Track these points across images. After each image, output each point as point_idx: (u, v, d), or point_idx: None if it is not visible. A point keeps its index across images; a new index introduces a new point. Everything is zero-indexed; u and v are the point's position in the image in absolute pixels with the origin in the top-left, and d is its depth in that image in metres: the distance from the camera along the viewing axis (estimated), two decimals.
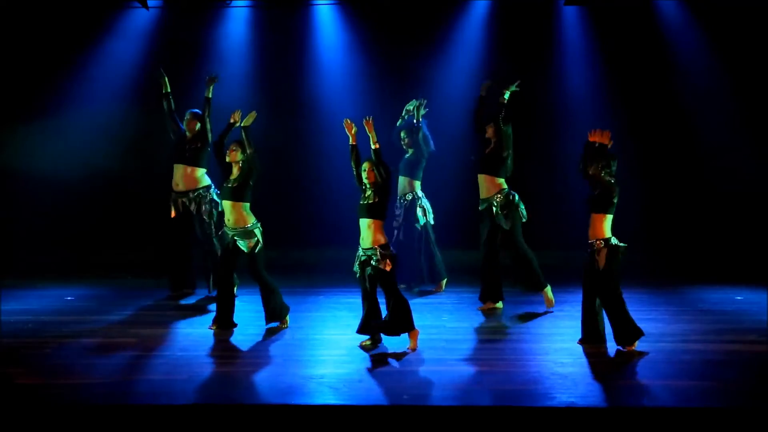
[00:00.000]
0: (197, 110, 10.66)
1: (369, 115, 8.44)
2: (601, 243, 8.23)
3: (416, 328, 8.39)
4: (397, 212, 10.97)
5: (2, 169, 12.87)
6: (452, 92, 13.08)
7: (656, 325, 9.10)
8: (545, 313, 9.85)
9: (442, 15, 13.00)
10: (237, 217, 9.08)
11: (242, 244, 9.08)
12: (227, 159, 9.16)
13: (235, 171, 9.13)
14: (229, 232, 9.11)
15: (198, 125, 10.57)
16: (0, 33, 12.41)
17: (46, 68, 12.87)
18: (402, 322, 8.33)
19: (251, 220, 9.12)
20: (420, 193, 11.05)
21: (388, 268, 8.27)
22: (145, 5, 12.40)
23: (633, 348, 8.21)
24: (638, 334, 8.22)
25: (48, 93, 12.93)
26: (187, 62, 13.01)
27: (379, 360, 8.05)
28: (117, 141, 13.04)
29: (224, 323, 9.13)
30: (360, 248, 8.41)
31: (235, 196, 9.08)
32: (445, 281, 11.15)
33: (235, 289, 10.36)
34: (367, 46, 13.10)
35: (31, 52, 12.78)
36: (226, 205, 9.12)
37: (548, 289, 9.93)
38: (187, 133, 10.63)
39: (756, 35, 12.41)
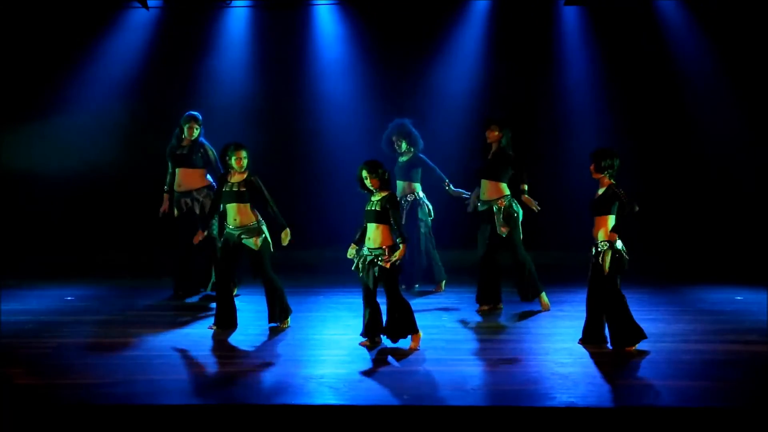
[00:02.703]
0: (196, 113, 10.64)
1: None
2: (606, 244, 8.21)
3: (419, 330, 8.39)
4: None
5: (2, 169, 12.87)
6: (452, 92, 13.08)
7: (656, 325, 9.09)
8: (542, 311, 9.85)
9: (442, 15, 13.00)
10: (243, 216, 9.07)
11: (249, 242, 9.06)
12: (235, 166, 9.11)
13: (237, 176, 9.10)
14: (234, 231, 9.09)
15: (197, 130, 10.53)
16: (0, 32, 12.41)
17: (46, 68, 12.86)
18: (404, 326, 8.33)
19: (257, 217, 9.12)
20: (421, 194, 11.03)
21: (387, 265, 8.25)
22: (145, 5, 12.40)
23: (633, 348, 8.20)
24: (640, 336, 8.21)
25: (48, 93, 12.92)
26: (187, 62, 13.03)
27: (379, 360, 8.05)
28: (117, 141, 13.05)
29: (225, 323, 9.12)
30: (365, 248, 8.38)
31: (240, 198, 9.08)
32: (444, 281, 11.15)
33: (236, 290, 10.38)
34: (366, 46, 13.09)
35: (31, 51, 12.78)
36: (231, 207, 9.08)
37: (543, 294, 9.92)
38: (185, 136, 10.57)
39: (756, 35, 12.41)
